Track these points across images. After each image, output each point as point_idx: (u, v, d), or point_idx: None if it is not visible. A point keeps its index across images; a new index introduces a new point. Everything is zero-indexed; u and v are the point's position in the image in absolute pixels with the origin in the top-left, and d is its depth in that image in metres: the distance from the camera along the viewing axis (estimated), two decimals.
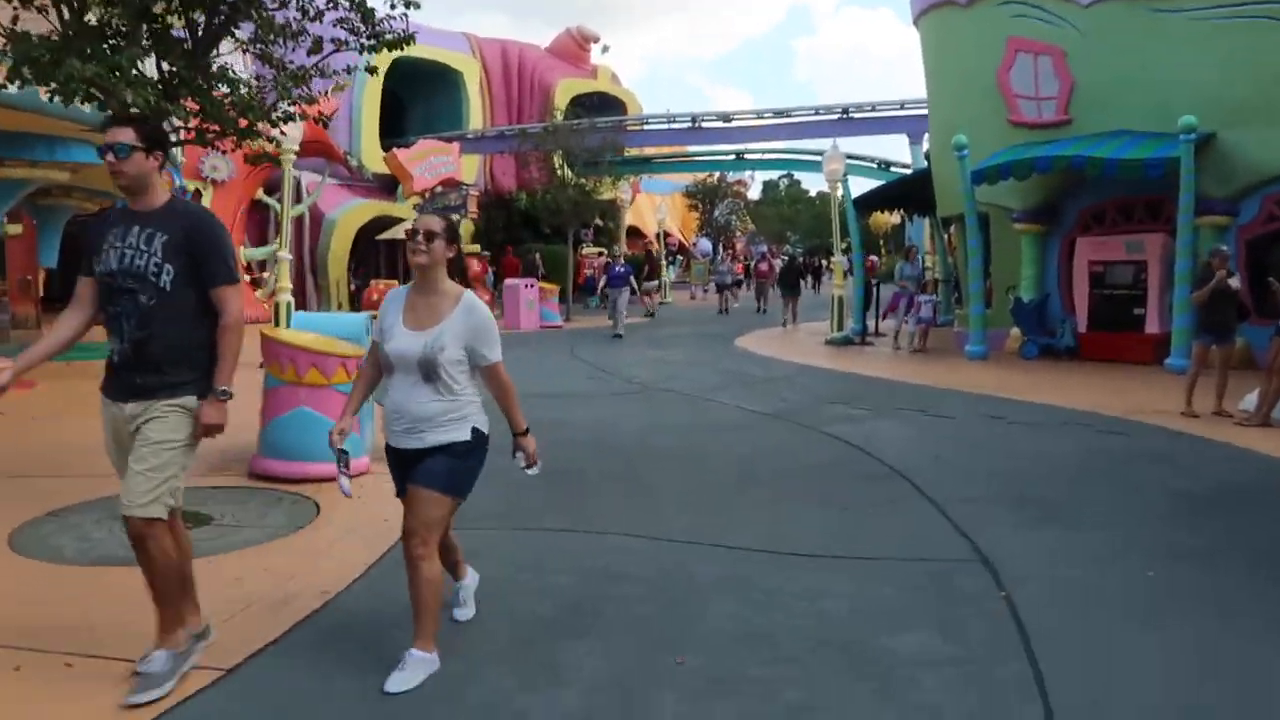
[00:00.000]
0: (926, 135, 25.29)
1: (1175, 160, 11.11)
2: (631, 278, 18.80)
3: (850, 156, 19.39)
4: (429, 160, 23.62)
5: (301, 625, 3.80)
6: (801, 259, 48.92)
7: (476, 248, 24.33)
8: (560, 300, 23.09)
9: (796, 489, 6.05)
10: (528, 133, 23.79)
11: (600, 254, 30.68)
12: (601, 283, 20.04)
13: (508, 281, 21.40)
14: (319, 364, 6.19)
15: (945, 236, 22.02)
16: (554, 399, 9.88)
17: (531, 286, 20.48)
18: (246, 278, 22.35)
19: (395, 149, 24.70)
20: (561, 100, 29.55)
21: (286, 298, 12.20)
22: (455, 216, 23.71)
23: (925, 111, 24.53)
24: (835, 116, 25.17)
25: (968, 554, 4.71)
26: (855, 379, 11.60)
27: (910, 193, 19.39)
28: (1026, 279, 13.98)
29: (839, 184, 16.44)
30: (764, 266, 28.65)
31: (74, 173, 11.79)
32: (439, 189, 23.28)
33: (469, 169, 29.88)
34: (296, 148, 12.14)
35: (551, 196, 23.75)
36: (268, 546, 4.89)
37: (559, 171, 24.43)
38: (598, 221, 31.03)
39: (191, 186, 10.26)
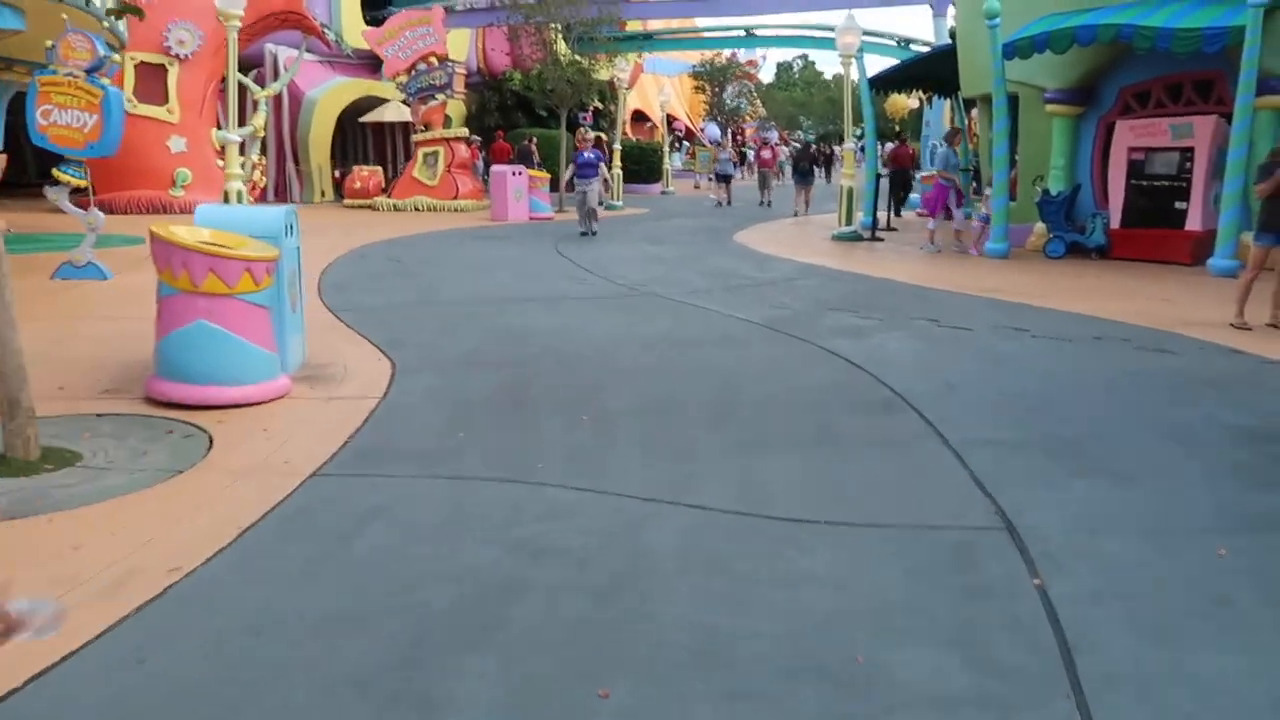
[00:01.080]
0: (952, 6, 23.47)
1: (1238, 30, 9.72)
2: (603, 165, 15.86)
3: (866, 33, 17.69)
4: (404, 36, 21.92)
5: (130, 619, 2.91)
6: (814, 146, 46.95)
7: (465, 132, 22.86)
8: (553, 189, 21.79)
9: (783, 423, 5.08)
10: (519, 2, 21.99)
11: (599, 139, 29.11)
12: (568, 172, 16.84)
13: (494, 168, 20.05)
14: (218, 269, 5.16)
15: (966, 120, 20.51)
16: (524, 304, 8.86)
17: (520, 174, 19.17)
18: (219, 162, 21.07)
19: (368, 30, 22.98)
20: None
21: (236, 185, 11.06)
22: (440, 97, 22.26)
23: None
24: None
25: (989, 519, 3.77)
26: (862, 281, 10.52)
27: (931, 71, 17.84)
28: (1056, 169, 12.71)
29: (852, 60, 14.95)
30: (766, 154, 26.09)
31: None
32: (421, 66, 21.68)
33: (458, 45, 28.03)
34: (238, 10, 10.78)
35: (545, 75, 22.14)
36: (131, 499, 3.98)
37: (553, 47, 22.73)
38: (596, 104, 29.31)
39: (116, 59, 8.96)
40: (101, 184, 20.07)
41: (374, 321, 7.86)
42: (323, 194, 24.92)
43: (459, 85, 21.87)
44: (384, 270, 11.02)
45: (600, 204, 15.86)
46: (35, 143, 9.39)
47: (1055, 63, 12.04)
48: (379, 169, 23.70)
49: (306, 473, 4.28)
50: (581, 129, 29.81)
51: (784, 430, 4.94)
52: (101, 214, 9.80)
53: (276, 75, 23.26)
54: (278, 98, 24.02)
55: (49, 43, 9.35)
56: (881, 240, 14.95)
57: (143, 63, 19.96)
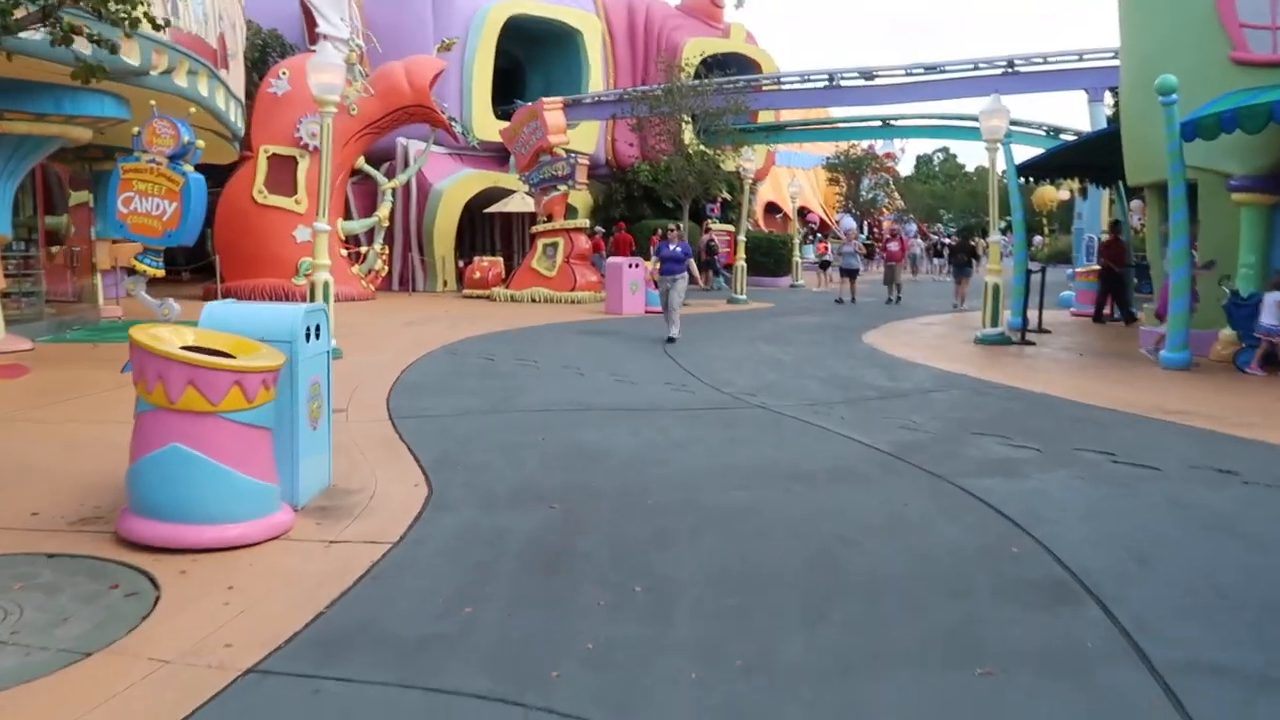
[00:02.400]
0: (1109, 91, 21.70)
1: None
2: (691, 260, 13.61)
3: (1013, 122, 16.19)
4: (522, 133, 21.73)
5: None
6: (954, 239, 44.89)
7: (585, 223, 22.36)
8: None
9: (903, 618, 3.66)
10: (646, 94, 21.58)
11: (728, 231, 28.26)
12: (653, 265, 14.82)
13: (609, 260, 19.32)
14: (199, 381, 4.22)
15: (1128, 212, 18.58)
16: (610, 415, 7.71)
17: (636, 266, 18.34)
18: (344, 253, 21.18)
19: (504, 129, 22.99)
20: (690, 60, 27.13)
21: (324, 276, 10.47)
22: (561, 187, 21.87)
23: (1108, 62, 20.97)
24: (998, 71, 21.80)
25: None
26: (1013, 397, 8.92)
27: (1087, 158, 16.17)
28: (1247, 267, 10.84)
29: (999, 146, 13.50)
30: (894, 246, 23.22)
31: (98, 130, 10.40)
32: (544, 157, 21.40)
33: (587, 137, 27.96)
34: (335, 97, 10.34)
35: (672, 167, 21.47)
36: (8, 695, 2.95)
37: (681, 138, 22.16)
38: (724, 194, 28.56)
39: (201, 144, 8.55)
40: (230, 271, 20.42)
41: (434, 433, 6.86)
42: (445, 284, 24.83)
43: (581, 176, 21.44)
44: (471, 369, 10.14)
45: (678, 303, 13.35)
46: (115, 232, 9.03)
47: (1244, 144, 10.33)
48: (499, 260, 23.42)
49: (242, 667, 3.17)
50: (710, 221, 29.13)
51: (905, 633, 3.53)
52: (176, 305, 9.33)
53: (407, 167, 23.52)
54: (405, 189, 24.28)
55: (135, 129, 9.06)
56: (1033, 344, 13.21)
57: (275, 155, 20.38)
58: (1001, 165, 14.13)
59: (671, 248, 13.46)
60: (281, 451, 4.79)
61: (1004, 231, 20.51)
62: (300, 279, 20.27)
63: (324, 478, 5.38)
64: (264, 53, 22.11)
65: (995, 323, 13.30)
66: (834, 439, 6.86)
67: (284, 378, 4.77)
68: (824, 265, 29.87)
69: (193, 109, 9.10)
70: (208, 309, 4.99)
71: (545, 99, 21.86)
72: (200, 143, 8.93)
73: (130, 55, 9.52)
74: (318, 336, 5.22)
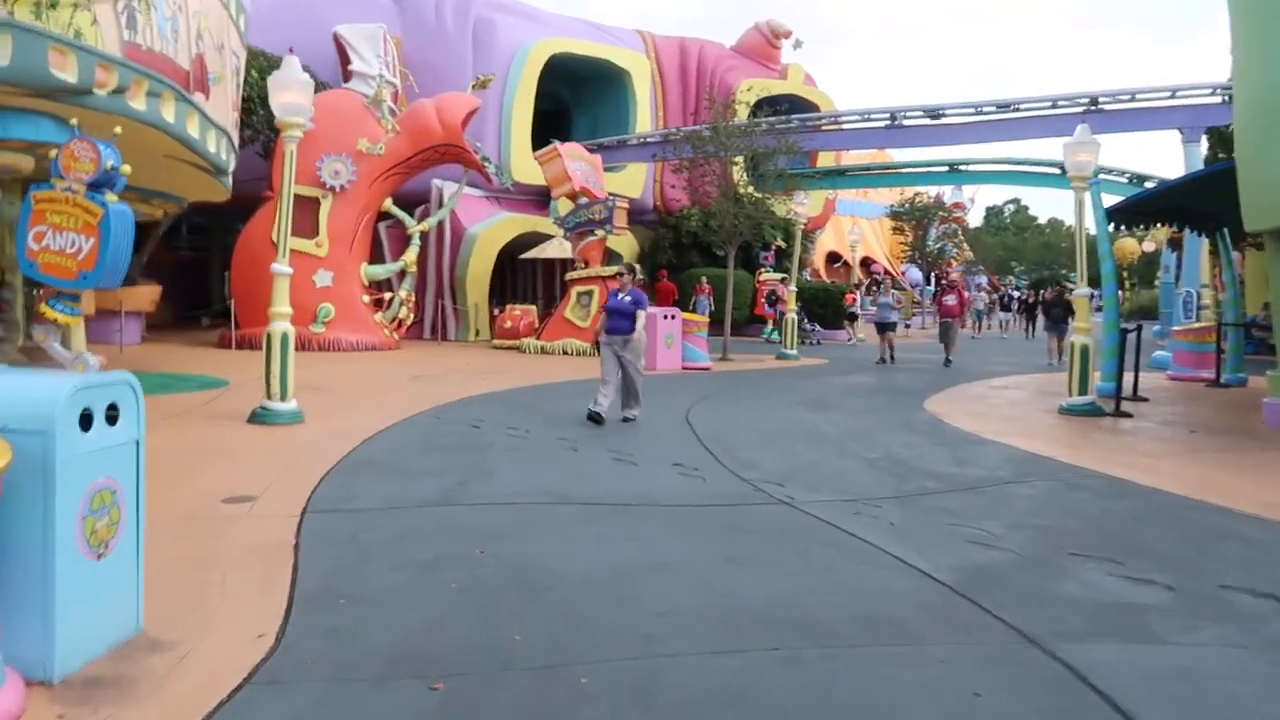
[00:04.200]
0: (1206, 131, 19.55)
1: None
2: (642, 313, 9.92)
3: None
4: (577, 163, 20.37)
5: None
6: (1024, 293, 42.34)
7: (623, 269, 20.78)
8: (715, 333, 19.18)
9: None
10: (691, 135, 20.09)
11: (782, 279, 26.53)
12: (598, 320, 11.17)
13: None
14: None
15: (1234, 263, 16.36)
16: (584, 513, 5.97)
17: (673, 318, 16.67)
18: (366, 299, 19.94)
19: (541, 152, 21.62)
20: (744, 101, 25.64)
21: (281, 326, 8.98)
22: (599, 232, 20.39)
23: (1205, 99, 18.88)
24: (1079, 108, 19.82)
25: None
26: (1119, 492, 6.95)
27: (1188, 202, 14.09)
28: None
29: (1085, 185, 11.58)
30: (950, 299, 19.55)
31: (41, 158, 9.12)
32: (582, 199, 19.99)
33: (633, 181, 26.61)
34: (300, 119, 8.93)
35: (720, 211, 19.82)
36: None
37: (729, 181, 20.54)
38: (779, 242, 26.84)
39: (127, 170, 7.13)
40: (247, 318, 19.28)
41: (342, 538, 5.20)
42: (477, 333, 23.48)
43: (620, 221, 19.95)
44: (447, 440, 8.50)
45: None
46: (25, 273, 7.65)
47: None
48: (532, 308, 21.97)
49: None
50: (762, 270, 27.38)
51: None
52: (94, 358, 7.88)
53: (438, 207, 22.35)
54: (438, 232, 23.10)
55: (53, 152, 7.72)
56: (1129, 416, 11.13)
57: (296, 195, 19.23)
58: (1088, 207, 12.17)
59: (620, 298, 10.05)
60: (12, 594, 3.17)
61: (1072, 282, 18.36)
62: (319, 326, 19.08)
63: (125, 625, 3.72)
64: None
65: (1084, 390, 11.27)
66: (876, 561, 5.00)
67: (18, 486, 3.17)
68: (851, 318, 27.71)
69: (118, 129, 7.72)
70: None
71: (560, 145, 20.52)
72: (126, 168, 7.51)
73: (64, 70, 8.25)
74: (114, 422, 3.61)
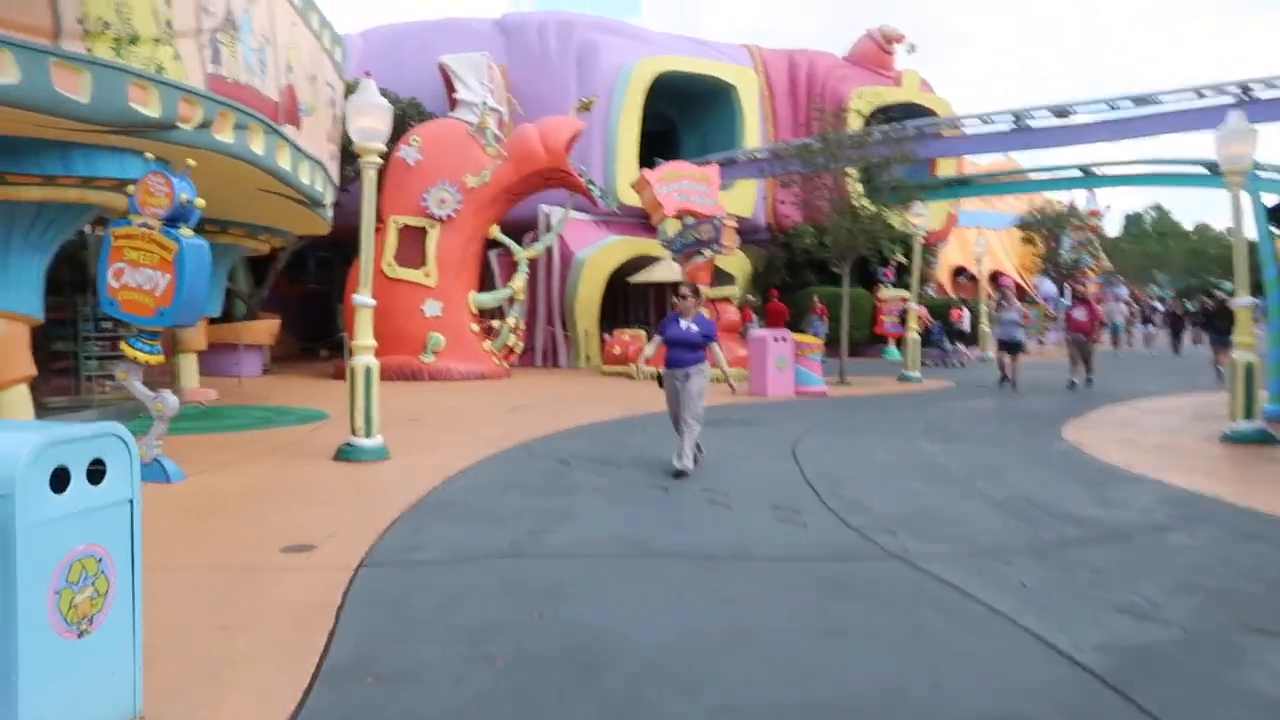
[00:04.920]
0: None
1: None
2: (715, 346, 8.34)
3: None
4: (681, 182, 19.84)
5: None
6: (1170, 303, 39.39)
7: (732, 291, 20.08)
8: (833, 355, 18.23)
9: None
10: (801, 148, 19.28)
11: (903, 299, 25.33)
12: (649, 347, 8.96)
13: (752, 332, 16.92)
14: None
15: None
16: (664, 567, 5.30)
17: (784, 340, 15.85)
18: (474, 328, 19.85)
19: (646, 171, 21.19)
20: (859, 110, 24.63)
21: (365, 360, 8.66)
22: (706, 253, 19.74)
23: None
24: (1229, 99, 18.05)
25: None
26: None
27: None
28: None
29: (1241, 180, 10.26)
30: (1079, 314, 17.37)
31: (116, 190, 9.13)
32: (688, 219, 19.41)
33: (744, 199, 25.90)
34: (378, 144, 8.64)
35: (834, 227, 18.89)
36: None
37: (843, 195, 19.62)
38: (899, 257, 25.61)
39: (201, 203, 6.94)
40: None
41: (391, 598, 4.70)
42: (588, 359, 23.13)
43: (728, 240, 19.25)
44: (531, 478, 7.98)
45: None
46: (106, 311, 7.55)
47: None
48: (641, 333, 21.46)
49: None
50: (882, 286, 26.17)
51: None
52: (174, 398, 7.70)
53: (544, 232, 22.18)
54: (546, 258, 22.94)
55: (130, 187, 7.63)
56: None
57: (405, 225, 19.40)
58: (1247, 206, 10.80)
59: (682, 326, 8.24)
60: None
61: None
62: (429, 356, 19.08)
63: (117, 709, 3.27)
64: (402, 122, 21.44)
65: (1250, 414, 9.93)
66: (1004, 636, 4.16)
67: None
68: (959, 337, 25.25)
69: (191, 162, 7.56)
70: None
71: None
72: (200, 201, 7.35)
73: (147, 105, 8.19)
74: (99, 480, 3.18)
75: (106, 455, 3.23)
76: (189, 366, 13.70)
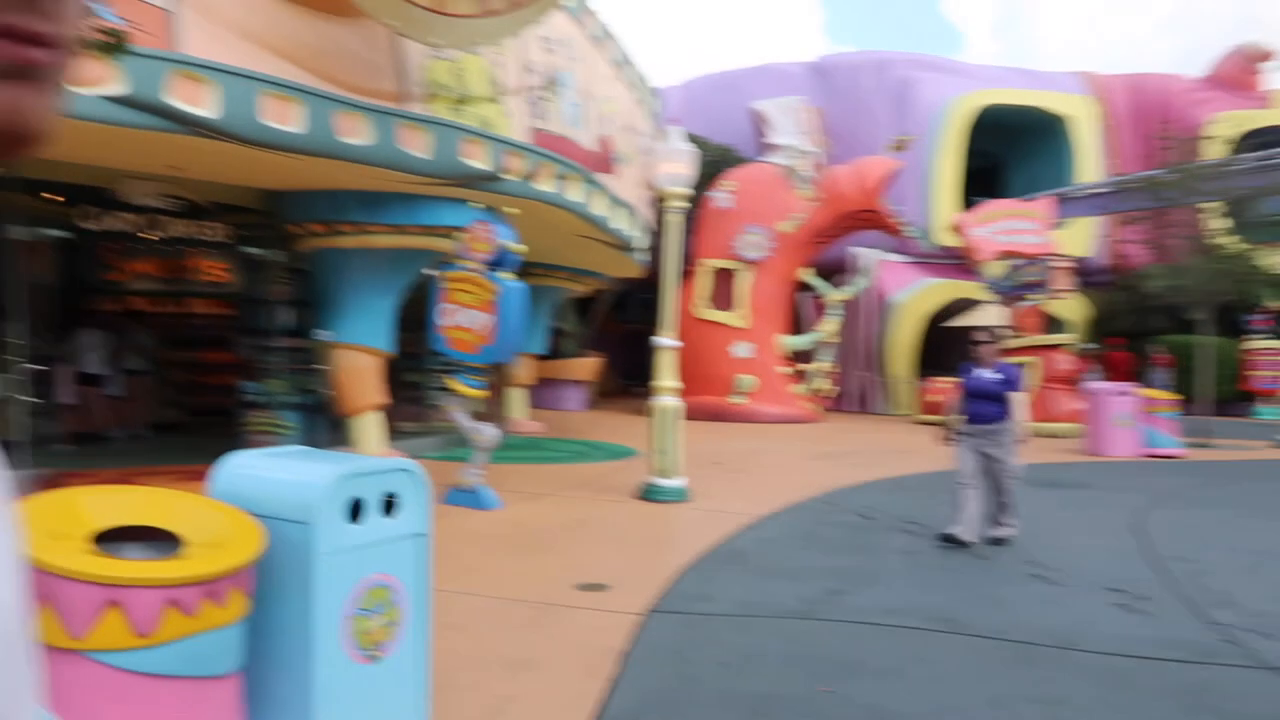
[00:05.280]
0: None
1: None
2: (1016, 395, 7.17)
3: None
4: (1000, 223, 18.51)
5: None
6: None
7: (1068, 339, 18.26)
8: (1189, 413, 15.96)
9: None
10: (1150, 181, 17.22)
11: (1274, 349, 21.83)
12: (952, 398, 7.72)
13: (1088, 385, 15.18)
14: (56, 595, 2.47)
15: None
16: (973, 650, 4.67)
17: (1126, 395, 14.07)
18: (785, 371, 19.65)
19: (959, 216, 20.05)
20: (1222, 136, 21.70)
21: (667, 400, 8.68)
22: (1034, 296, 18.14)
23: None
24: None
25: None
26: None
27: None
28: None
29: None
30: None
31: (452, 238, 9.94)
32: (1018, 261, 17.99)
33: (1080, 238, 23.67)
34: (683, 189, 8.67)
35: (1190, 269, 16.65)
36: None
37: (1205, 232, 17.30)
38: (1274, 303, 22.08)
39: (521, 249, 7.40)
40: None
41: (677, 650, 4.53)
42: (902, 407, 22.10)
43: (1060, 282, 17.60)
44: (830, 532, 7.55)
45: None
46: (436, 348, 8.18)
47: None
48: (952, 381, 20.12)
49: None
50: (1253, 338, 22.68)
51: None
52: (493, 430, 8.14)
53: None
54: (860, 301, 22.32)
55: (460, 234, 8.23)
56: None
57: (718, 269, 19.70)
58: None
59: (985, 376, 7.20)
60: (270, 694, 2.89)
61: None
62: (739, 398, 19.15)
63: None
64: (716, 167, 21.92)
65: None
66: None
67: (277, 578, 2.90)
68: None
69: (514, 210, 8.03)
70: (224, 466, 3.30)
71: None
72: (520, 247, 7.78)
73: (478, 159, 8.86)
74: (389, 511, 3.27)
75: (399, 489, 3.33)
76: (517, 400, 14.67)
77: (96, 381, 11.46)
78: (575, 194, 10.29)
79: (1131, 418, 13.88)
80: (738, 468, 11.44)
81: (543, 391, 18.65)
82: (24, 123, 0.51)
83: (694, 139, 22.03)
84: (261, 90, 7.25)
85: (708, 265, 19.78)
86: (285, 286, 10.48)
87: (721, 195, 19.95)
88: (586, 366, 21.41)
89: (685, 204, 8.80)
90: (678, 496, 8.65)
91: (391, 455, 10.08)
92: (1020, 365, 7.74)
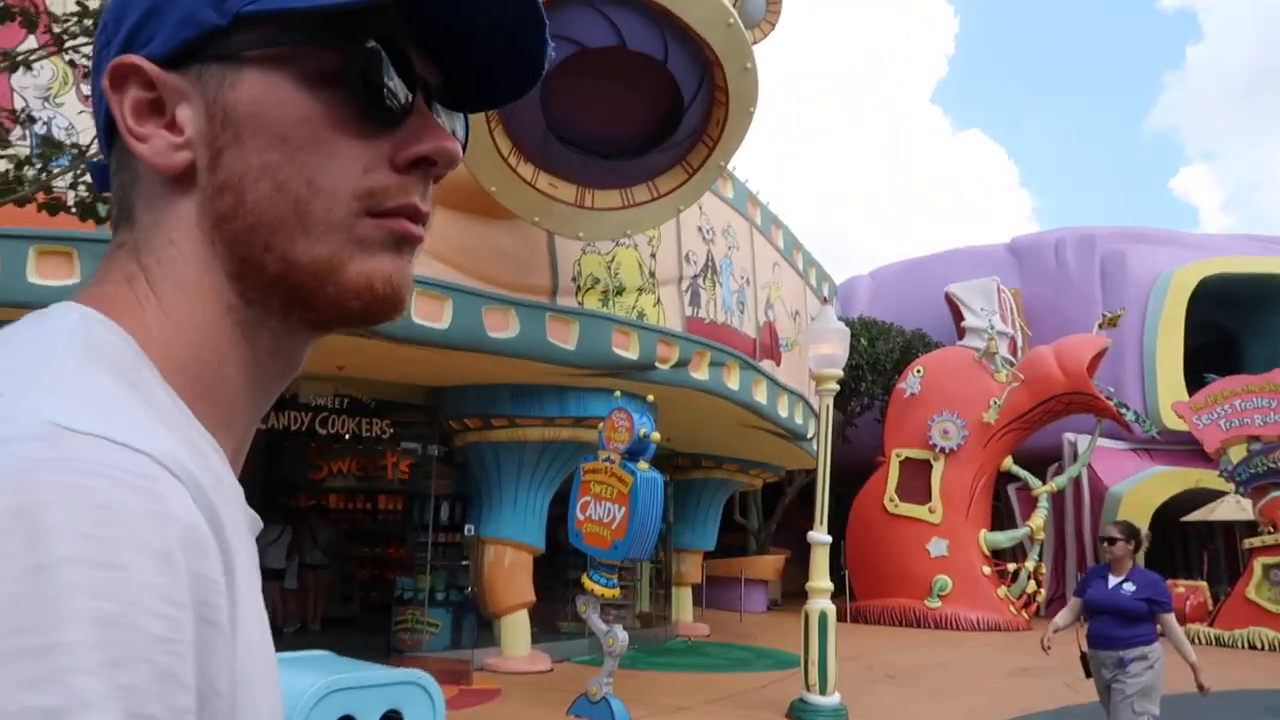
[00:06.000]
0: None
1: None
2: (1168, 615, 5.41)
3: None
4: (1230, 404, 16.46)
5: None
6: None
7: None
8: None
9: None
10: None
11: None
12: (1063, 614, 6.01)
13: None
14: None
15: None
16: None
17: None
18: (988, 570, 17.88)
19: (1179, 403, 18.13)
20: None
21: (820, 604, 7.79)
22: None
23: None
24: None
25: None
26: None
27: None
28: None
29: None
30: None
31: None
32: (1255, 444, 15.82)
33: None
34: (836, 371, 8.10)
35: None
36: None
37: None
38: None
39: (657, 437, 7.10)
40: (861, 588, 18.58)
41: None
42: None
43: None
44: None
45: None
46: (573, 543, 7.82)
47: None
48: (1201, 585, 17.52)
49: None
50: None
51: None
52: (624, 633, 7.55)
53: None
54: (1075, 494, 20.32)
55: (600, 424, 8.02)
56: None
57: (907, 459, 18.55)
58: None
59: (1110, 585, 5.50)
60: None
61: None
62: (934, 600, 17.50)
63: None
64: (905, 353, 21.12)
65: None
66: None
67: None
68: None
69: (650, 397, 7.77)
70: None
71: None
72: (656, 435, 7.44)
73: (627, 349, 8.77)
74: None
75: (404, 705, 2.90)
76: (683, 600, 13.98)
77: (274, 575, 11.85)
78: (732, 381, 9.97)
79: None
80: (915, 684, 10.11)
81: (721, 591, 17.78)
82: (402, 291, 0.58)
83: (877, 325, 21.58)
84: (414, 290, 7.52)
85: (899, 455, 18.67)
86: (444, 481, 10.61)
87: (911, 381, 19.04)
88: (768, 564, 20.36)
89: (836, 387, 8.22)
90: (833, 716, 7.61)
91: (534, 658, 9.64)
92: (1159, 578, 5.53)
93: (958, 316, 21.16)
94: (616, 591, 7.72)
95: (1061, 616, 5.99)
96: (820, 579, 7.98)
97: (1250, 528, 16.91)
